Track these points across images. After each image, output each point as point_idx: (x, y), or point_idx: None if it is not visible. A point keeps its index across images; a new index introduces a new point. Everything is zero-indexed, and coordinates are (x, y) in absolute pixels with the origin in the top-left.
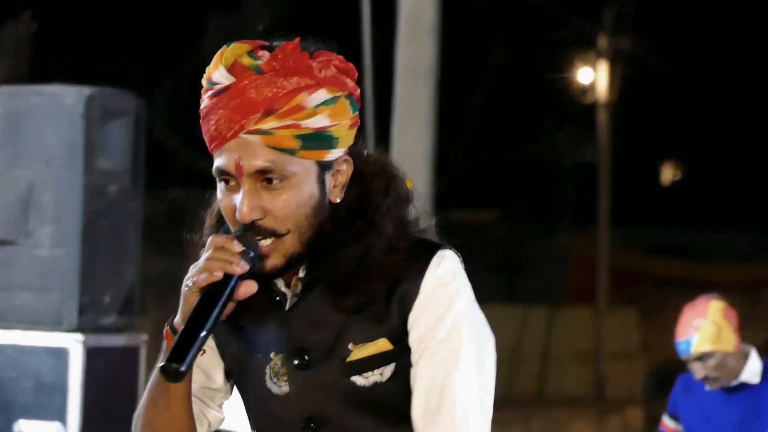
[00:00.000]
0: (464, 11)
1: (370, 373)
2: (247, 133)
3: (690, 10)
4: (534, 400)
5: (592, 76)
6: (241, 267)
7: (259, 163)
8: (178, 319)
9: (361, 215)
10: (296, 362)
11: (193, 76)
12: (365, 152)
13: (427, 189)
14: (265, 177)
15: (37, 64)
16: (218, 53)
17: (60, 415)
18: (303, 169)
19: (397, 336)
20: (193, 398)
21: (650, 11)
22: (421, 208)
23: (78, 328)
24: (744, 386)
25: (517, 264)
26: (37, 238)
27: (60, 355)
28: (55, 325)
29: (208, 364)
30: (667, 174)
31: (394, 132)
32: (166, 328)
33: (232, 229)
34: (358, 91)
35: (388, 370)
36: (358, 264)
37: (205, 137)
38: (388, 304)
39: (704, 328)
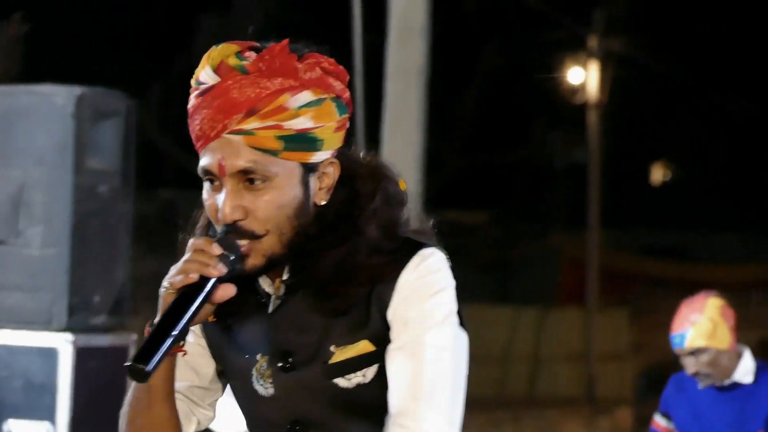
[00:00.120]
0: (456, 12)
1: (352, 375)
2: (230, 133)
3: (680, 11)
4: (525, 401)
5: (583, 77)
6: (218, 270)
7: (241, 163)
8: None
9: (348, 218)
10: (280, 365)
11: (184, 77)
12: (357, 155)
13: (417, 189)
14: (247, 177)
15: (28, 63)
16: (207, 54)
17: (49, 415)
18: (286, 170)
19: (379, 337)
20: (182, 397)
21: (641, 12)
22: (413, 210)
23: (68, 328)
24: (737, 386)
25: (509, 265)
26: (27, 237)
27: (50, 354)
28: (45, 325)
29: (199, 363)
30: (658, 175)
31: (384, 132)
32: (147, 328)
33: (217, 229)
34: (348, 93)
35: (371, 372)
36: (340, 267)
37: (192, 137)
38: (368, 305)
39: (700, 323)
